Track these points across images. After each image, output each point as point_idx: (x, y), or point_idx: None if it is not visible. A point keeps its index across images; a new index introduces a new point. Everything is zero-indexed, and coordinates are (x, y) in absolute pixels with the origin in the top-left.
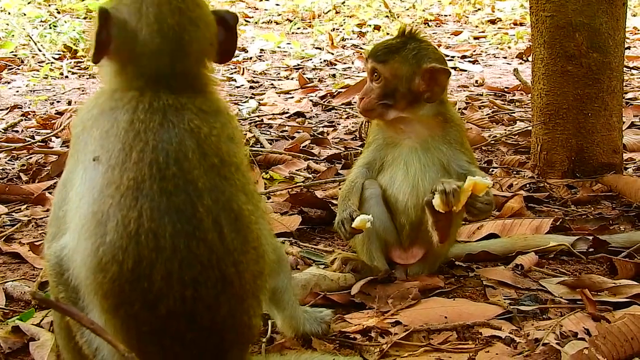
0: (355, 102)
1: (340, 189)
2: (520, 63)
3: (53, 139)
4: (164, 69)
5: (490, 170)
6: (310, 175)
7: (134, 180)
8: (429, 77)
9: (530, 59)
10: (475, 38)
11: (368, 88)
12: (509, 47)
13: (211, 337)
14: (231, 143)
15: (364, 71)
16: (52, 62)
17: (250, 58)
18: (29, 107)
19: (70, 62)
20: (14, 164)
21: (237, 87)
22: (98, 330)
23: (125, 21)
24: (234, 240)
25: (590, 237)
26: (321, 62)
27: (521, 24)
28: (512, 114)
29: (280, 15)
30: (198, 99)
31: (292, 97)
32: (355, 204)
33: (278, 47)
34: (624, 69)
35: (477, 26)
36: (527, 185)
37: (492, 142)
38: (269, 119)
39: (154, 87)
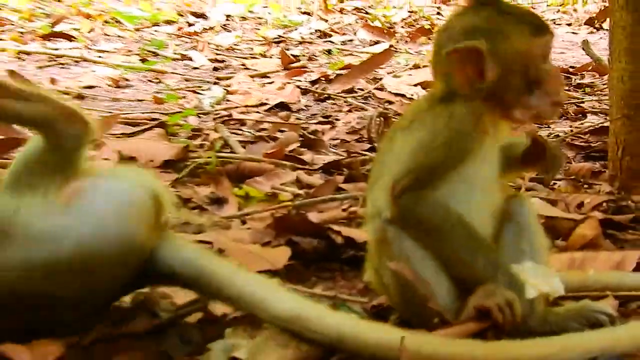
0: (361, 89)
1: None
2: (591, 32)
3: None
4: None
5: (552, 182)
6: (300, 192)
7: None
8: None
9: (605, 26)
10: None
11: None
12: (575, 10)
13: None
14: None
15: (371, 45)
16: None
17: (212, 28)
18: None
19: None
20: None
21: (195, 68)
22: None
23: None
24: None
25: None
26: (311, 33)
27: None
28: (581, 104)
29: None
30: None
31: (272, 83)
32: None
33: (250, 12)
34: None
35: None
36: (604, 204)
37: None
38: (240, 112)
39: None
